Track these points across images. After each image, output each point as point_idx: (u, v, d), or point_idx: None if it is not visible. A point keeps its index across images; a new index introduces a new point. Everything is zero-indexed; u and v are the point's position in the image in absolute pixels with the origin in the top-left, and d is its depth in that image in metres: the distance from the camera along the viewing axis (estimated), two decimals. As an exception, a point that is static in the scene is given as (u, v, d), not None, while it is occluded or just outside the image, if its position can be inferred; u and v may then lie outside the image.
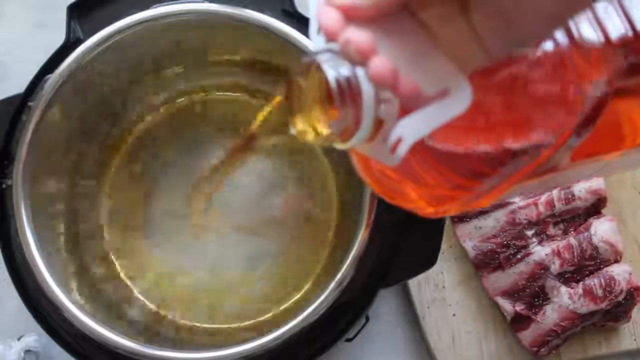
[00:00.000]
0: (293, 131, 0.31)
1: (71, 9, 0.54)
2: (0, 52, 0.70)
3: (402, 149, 0.30)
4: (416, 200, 0.36)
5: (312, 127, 0.30)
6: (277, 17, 0.53)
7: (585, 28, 0.32)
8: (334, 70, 0.29)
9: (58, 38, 0.54)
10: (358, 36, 0.28)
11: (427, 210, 0.36)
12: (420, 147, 0.32)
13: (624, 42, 0.34)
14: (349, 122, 0.29)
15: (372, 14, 0.28)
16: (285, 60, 0.60)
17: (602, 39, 0.33)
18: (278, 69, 0.62)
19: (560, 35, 0.32)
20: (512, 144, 0.33)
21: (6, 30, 0.71)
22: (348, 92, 0.29)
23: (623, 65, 0.34)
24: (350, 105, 0.29)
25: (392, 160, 0.30)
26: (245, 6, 0.54)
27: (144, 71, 0.62)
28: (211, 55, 0.63)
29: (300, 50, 0.53)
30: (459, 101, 0.30)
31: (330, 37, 0.28)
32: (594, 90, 0.32)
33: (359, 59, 0.28)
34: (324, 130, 0.30)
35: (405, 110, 0.29)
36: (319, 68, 0.29)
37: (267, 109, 0.35)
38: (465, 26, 0.28)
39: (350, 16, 0.28)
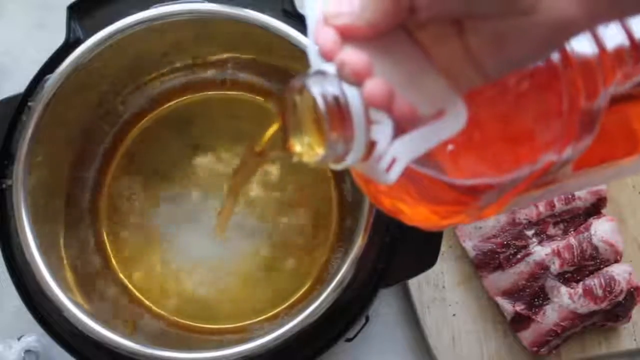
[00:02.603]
0: (290, 152, 0.31)
1: (71, 9, 0.54)
2: (1, 52, 0.70)
3: (397, 170, 0.30)
4: (417, 216, 0.36)
5: (308, 148, 0.30)
6: (277, 17, 0.53)
7: (579, 40, 0.32)
8: (324, 93, 0.29)
9: (58, 38, 0.54)
10: (354, 57, 0.28)
11: (430, 223, 0.36)
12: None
13: (620, 52, 0.34)
14: (341, 143, 0.29)
15: (368, 33, 0.28)
16: (286, 60, 0.60)
17: (596, 50, 0.33)
18: (278, 68, 0.62)
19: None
20: (508, 158, 0.33)
21: (6, 31, 0.71)
22: (338, 114, 0.29)
23: (620, 75, 0.34)
24: (341, 126, 0.29)
25: (387, 180, 0.30)
26: (245, 6, 0.54)
27: (144, 71, 0.62)
28: (211, 55, 0.63)
29: (300, 50, 0.53)
30: (454, 122, 0.30)
31: (327, 58, 0.28)
32: (589, 102, 0.32)
33: (355, 80, 0.28)
34: (319, 152, 0.30)
35: (400, 129, 0.29)
36: (310, 91, 0.29)
37: (275, 126, 0.35)
38: (461, 47, 0.28)
39: (347, 36, 0.28)
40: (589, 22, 0.28)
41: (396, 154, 0.30)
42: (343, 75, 0.28)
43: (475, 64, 0.29)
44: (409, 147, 0.30)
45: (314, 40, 0.29)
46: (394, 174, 0.30)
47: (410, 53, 0.29)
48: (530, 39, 0.28)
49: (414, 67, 0.29)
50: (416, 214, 0.35)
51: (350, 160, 0.30)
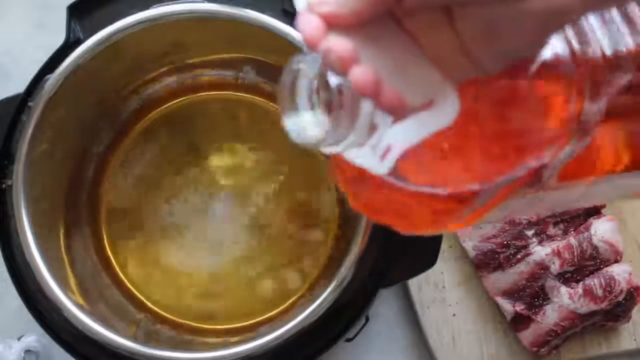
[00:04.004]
0: (285, 131, 0.30)
1: (71, 9, 0.54)
2: (1, 52, 0.70)
3: (391, 158, 0.29)
4: (405, 223, 0.35)
5: (302, 129, 0.30)
6: (277, 17, 0.53)
7: (577, 42, 0.32)
8: (321, 74, 0.28)
9: (58, 38, 0.54)
10: (339, 44, 0.27)
11: (418, 229, 0.35)
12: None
13: (619, 58, 0.33)
14: (338, 126, 0.29)
15: (352, 21, 0.28)
16: (286, 59, 0.60)
17: (598, 53, 0.32)
18: (278, 68, 0.62)
19: (548, 51, 0.31)
20: (496, 164, 0.32)
21: (6, 31, 0.71)
22: (338, 97, 0.28)
23: (617, 83, 0.33)
24: (340, 109, 0.28)
25: (381, 169, 0.30)
26: (245, 6, 0.54)
27: (144, 71, 0.62)
28: (211, 55, 0.63)
29: (301, 50, 0.53)
30: (446, 113, 0.29)
31: (310, 45, 0.27)
32: (583, 108, 0.32)
33: (340, 67, 0.27)
34: (313, 133, 0.29)
35: (395, 118, 0.29)
36: (307, 72, 0.29)
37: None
38: (452, 36, 0.28)
39: (332, 24, 0.28)
40: (584, 8, 0.27)
41: (390, 142, 0.29)
42: (329, 62, 0.27)
43: (467, 54, 0.28)
44: (404, 135, 0.29)
45: (298, 29, 0.28)
46: (388, 163, 0.29)
47: (398, 42, 0.29)
48: (525, 26, 0.27)
49: (403, 57, 0.29)
50: (403, 218, 0.35)
51: (347, 144, 0.29)
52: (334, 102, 0.28)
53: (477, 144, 0.32)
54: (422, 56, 0.29)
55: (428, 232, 0.36)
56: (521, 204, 0.36)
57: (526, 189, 0.33)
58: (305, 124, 0.29)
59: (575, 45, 0.32)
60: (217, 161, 0.64)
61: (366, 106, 0.28)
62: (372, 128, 0.29)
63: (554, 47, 0.31)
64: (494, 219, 0.36)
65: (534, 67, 0.31)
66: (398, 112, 0.28)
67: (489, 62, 0.28)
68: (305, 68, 0.29)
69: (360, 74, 0.27)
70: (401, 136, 0.29)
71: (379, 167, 0.30)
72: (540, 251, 0.63)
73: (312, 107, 0.29)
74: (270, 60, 0.62)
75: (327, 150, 0.30)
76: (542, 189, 0.34)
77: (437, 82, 0.29)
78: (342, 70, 0.27)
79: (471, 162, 0.32)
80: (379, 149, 0.29)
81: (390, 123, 0.29)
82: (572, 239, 0.63)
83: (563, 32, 0.32)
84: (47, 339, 0.53)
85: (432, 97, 0.29)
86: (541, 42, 0.29)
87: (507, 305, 0.63)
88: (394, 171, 0.31)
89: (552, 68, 0.31)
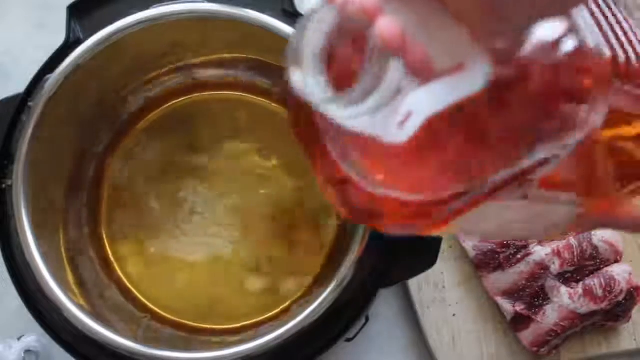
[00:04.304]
0: (291, 84, 0.28)
1: (71, 9, 0.54)
2: (1, 52, 0.70)
3: (412, 125, 0.27)
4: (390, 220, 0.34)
5: (307, 84, 0.27)
6: (277, 17, 0.53)
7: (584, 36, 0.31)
8: (325, 31, 0.26)
9: (58, 38, 0.54)
10: None
11: (388, 226, 0.34)
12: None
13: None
14: (359, 88, 0.26)
15: None
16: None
17: (607, 54, 0.31)
18: (278, 68, 0.62)
19: (569, 45, 0.30)
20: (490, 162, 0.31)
21: (6, 31, 0.71)
22: (363, 57, 0.25)
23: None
24: (364, 71, 0.26)
25: (399, 137, 0.27)
26: (245, 6, 0.54)
27: (144, 71, 0.62)
28: (211, 55, 0.63)
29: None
30: (475, 78, 0.27)
31: None
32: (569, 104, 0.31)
33: (363, 20, 0.25)
34: (317, 90, 0.27)
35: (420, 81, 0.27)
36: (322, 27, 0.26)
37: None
38: None
39: None
40: None
41: (412, 108, 0.27)
42: (348, 15, 0.25)
43: (497, 14, 0.26)
44: (428, 101, 0.27)
45: None
46: (409, 130, 0.27)
47: (423, 1, 0.26)
48: None
49: (428, 16, 0.26)
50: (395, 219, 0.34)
51: (370, 104, 0.26)
52: (367, 64, 0.25)
53: (483, 134, 0.30)
54: (447, 14, 0.26)
55: (398, 230, 0.34)
56: (497, 212, 0.35)
57: (513, 191, 0.32)
58: (310, 81, 0.27)
59: (590, 41, 0.31)
60: (218, 161, 0.64)
61: (393, 66, 0.25)
62: (396, 92, 0.26)
63: (573, 41, 0.30)
64: (468, 226, 0.34)
65: (551, 60, 0.30)
66: (424, 73, 0.26)
67: (520, 21, 0.26)
68: (317, 23, 0.26)
69: (386, 24, 0.24)
70: (425, 102, 0.26)
71: (396, 135, 0.27)
72: (540, 251, 0.63)
73: (320, 64, 0.27)
74: (270, 60, 0.62)
75: (334, 113, 0.27)
76: (528, 190, 0.33)
77: (465, 43, 0.26)
78: (366, 22, 0.25)
79: (477, 151, 0.30)
80: (398, 115, 0.27)
81: (415, 87, 0.26)
82: (572, 239, 0.63)
83: (579, 30, 0.31)
84: (47, 339, 0.53)
85: (460, 59, 0.27)
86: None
87: (507, 305, 0.63)
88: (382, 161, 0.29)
89: (571, 61, 0.30)
